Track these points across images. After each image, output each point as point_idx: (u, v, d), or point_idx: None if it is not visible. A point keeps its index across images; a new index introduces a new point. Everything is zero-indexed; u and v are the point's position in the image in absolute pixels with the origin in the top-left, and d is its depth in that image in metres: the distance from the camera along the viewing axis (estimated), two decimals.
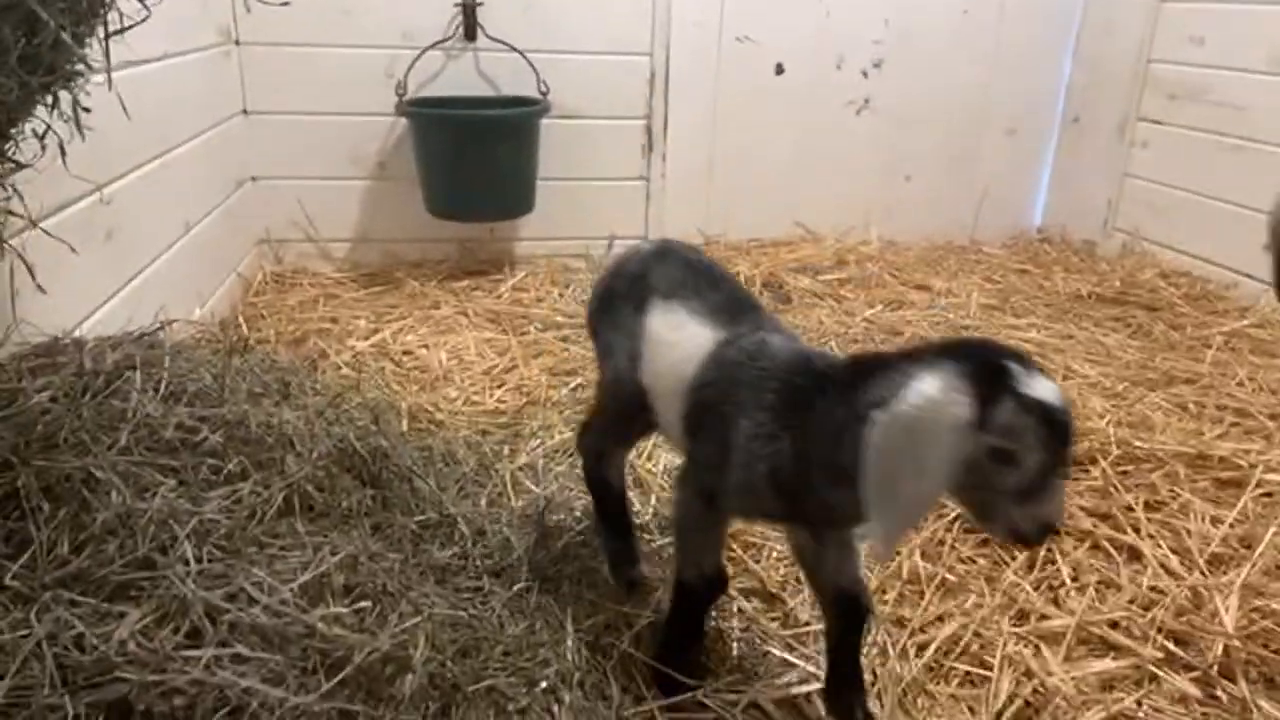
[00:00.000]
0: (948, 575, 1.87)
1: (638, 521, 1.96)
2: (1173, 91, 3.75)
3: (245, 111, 3.39)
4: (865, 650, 1.59)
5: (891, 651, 1.67)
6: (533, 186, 3.50)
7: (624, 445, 1.87)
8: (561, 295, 3.41)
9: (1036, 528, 1.14)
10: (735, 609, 1.77)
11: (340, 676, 1.11)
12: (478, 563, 1.68)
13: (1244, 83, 3.45)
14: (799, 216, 4.08)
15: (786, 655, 1.67)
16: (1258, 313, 3.25)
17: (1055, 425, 1.09)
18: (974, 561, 1.94)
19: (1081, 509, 2.08)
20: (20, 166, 1.34)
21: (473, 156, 3.27)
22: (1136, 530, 2.02)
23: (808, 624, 1.75)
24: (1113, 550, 1.97)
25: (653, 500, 2.11)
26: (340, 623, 1.18)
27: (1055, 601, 1.83)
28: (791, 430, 1.30)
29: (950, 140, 4.12)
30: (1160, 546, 1.97)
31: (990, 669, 1.65)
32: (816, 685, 1.58)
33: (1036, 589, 1.85)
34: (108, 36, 1.27)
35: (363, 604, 1.26)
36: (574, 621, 1.59)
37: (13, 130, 1.28)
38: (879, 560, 1.86)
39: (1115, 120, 3.96)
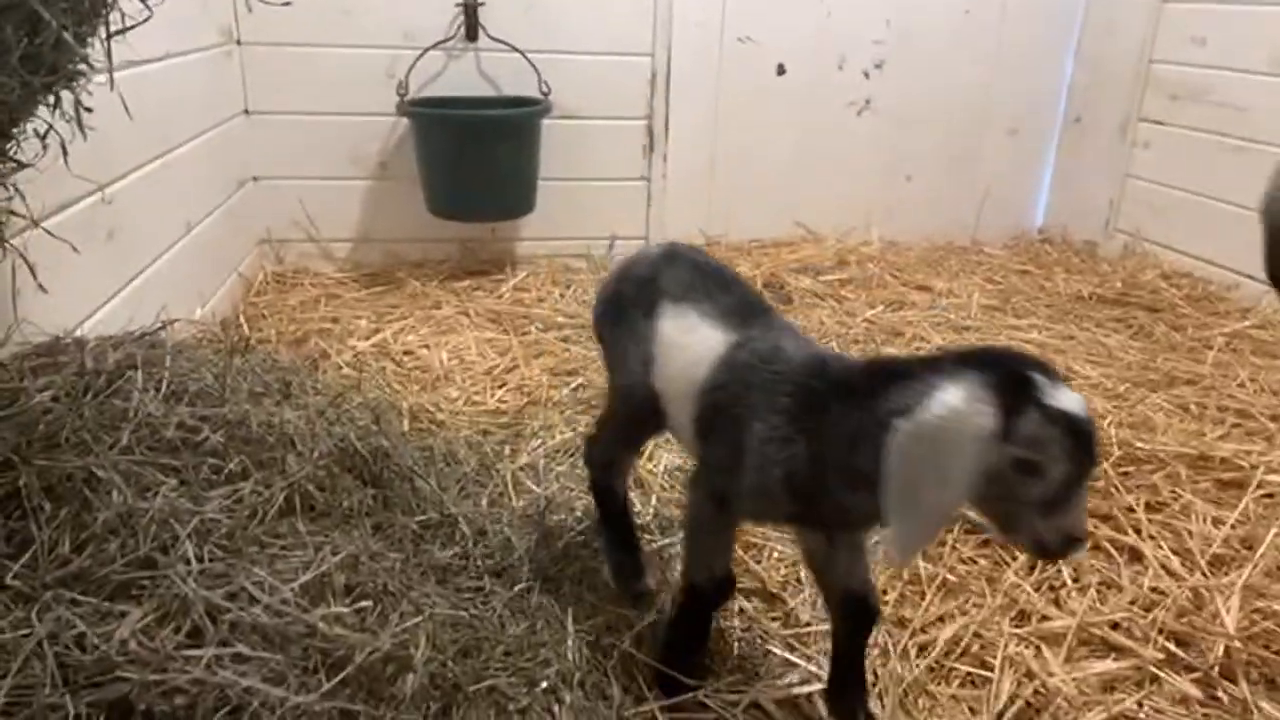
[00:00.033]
0: (949, 576, 1.87)
1: (639, 522, 1.96)
2: (1174, 92, 3.74)
3: (246, 111, 3.39)
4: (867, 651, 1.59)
5: (892, 652, 1.67)
6: (534, 187, 3.50)
7: (634, 451, 1.87)
8: (562, 295, 3.41)
9: (1061, 539, 1.13)
10: (737, 609, 1.77)
11: (341, 676, 1.11)
12: (479, 563, 1.68)
13: (1246, 83, 3.45)
14: (800, 217, 4.08)
15: (788, 655, 1.67)
16: (1259, 314, 3.25)
17: (1080, 436, 1.09)
18: (975, 562, 1.94)
19: None
20: (22, 166, 1.34)
21: (474, 156, 3.27)
22: (1138, 531, 2.02)
23: (809, 624, 1.75)
24: (1114, 551, 1.96)
25: (653, 501, 2.11)
26: (341, 622, 1.18)
27: (1056, 602, 1.83)
28: (807, 434, 1.29)
29: (951, 141, 4.12)
30: (1161, 547, 1.97)
31: (991, 670, 1.65)
32: (818, 686, 1.59)
33: (1037, 590, 1.85)
34: (109, 36, 1.27)
35: (364, 604, 1.26)
36: (575, 621, 1.60)
37: (14, 130, 1.28)
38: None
39: (1117, 121, 3.96)
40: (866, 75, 3.95)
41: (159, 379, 1.45)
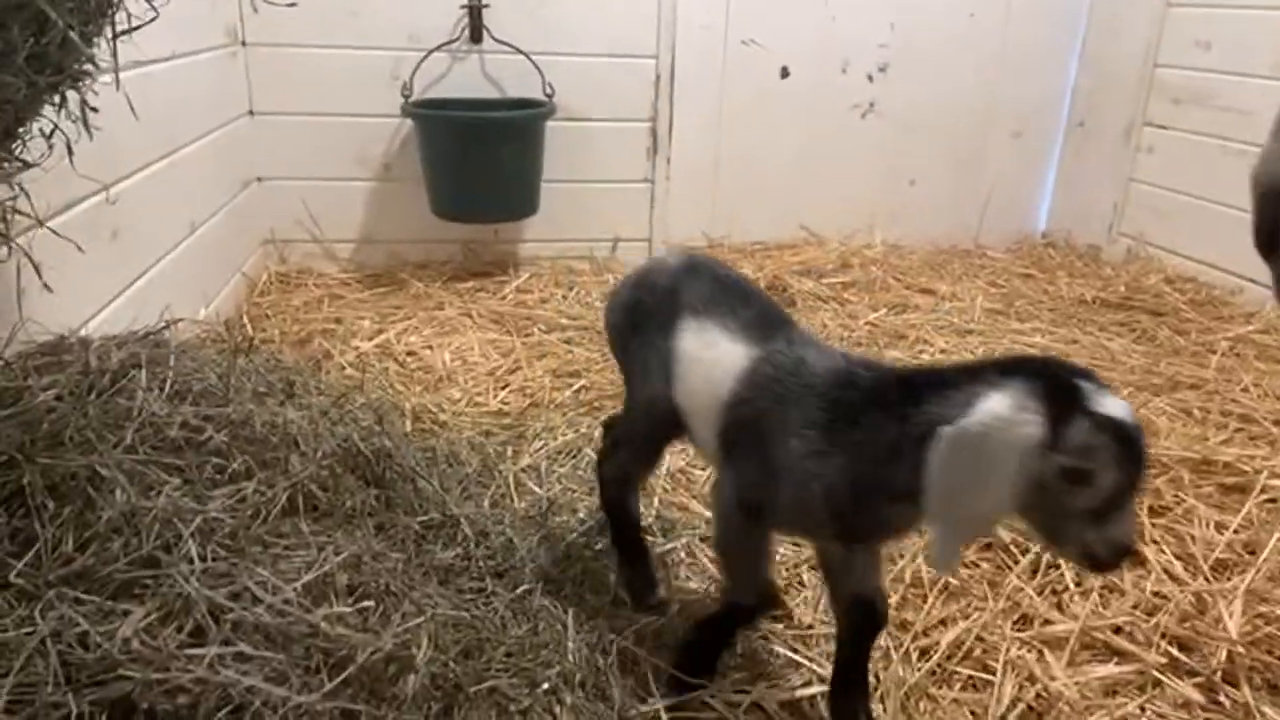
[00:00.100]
0: (951, 579, 1.87)
1: (640, 523, 1.96)
2: (1178, 96, 3.74)
3: (251, 112, 3.39)
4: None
5: (894, 655, 1.67)
6: (537, 188, 3.50)
7: (651, 467, 1.84)
8: (565, 297, 3.41)
9: (1111, 549, 1.11)
10: None
11: (343, 676, 1.11)
12: (480, 563, 1.68)
13: (1250, 88, 3.44)
14: (803, 220, 4.08)
15: (791, 656, 1.67)
16: (1263, 318, 3.24)
17: (1130, 444, 1.08)
18: (977, 566, 1.94)
19: None
20: (27, 165, 1.34)
21: (478, 158, 3.28)
22: (1141, 535, 2.01)
23: (811, 626, 1.75)
24: None
25: (654, 502, 2.11)
26: (343, 622, 1.18)
27: (1059, 606, 1.83)
28: (843, 446, 1.28)
29: (955, 144, 4.11)
30: (1164, 552, 1.97)
31: (993, 673, 1.65)
32: (821, 688, 1.58)
33: (1040, 594, 1.85)
34: (115, 36, 1.28)
35: (366, 604, 1.26)
36: (576, 623, 1.59)
37: (20, 129, 1.28)
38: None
39: (1121, 124, 3.96)
40: (870, 78, 3.95)
41: (163, 378, 1.45)
